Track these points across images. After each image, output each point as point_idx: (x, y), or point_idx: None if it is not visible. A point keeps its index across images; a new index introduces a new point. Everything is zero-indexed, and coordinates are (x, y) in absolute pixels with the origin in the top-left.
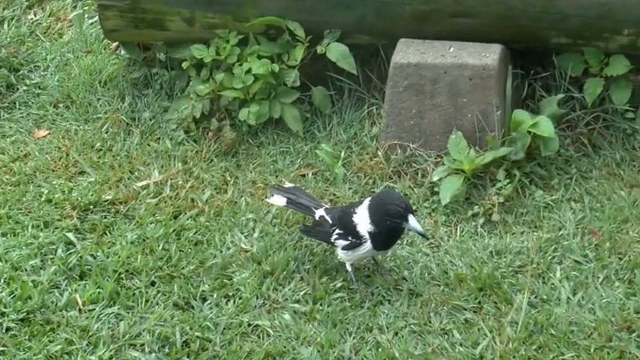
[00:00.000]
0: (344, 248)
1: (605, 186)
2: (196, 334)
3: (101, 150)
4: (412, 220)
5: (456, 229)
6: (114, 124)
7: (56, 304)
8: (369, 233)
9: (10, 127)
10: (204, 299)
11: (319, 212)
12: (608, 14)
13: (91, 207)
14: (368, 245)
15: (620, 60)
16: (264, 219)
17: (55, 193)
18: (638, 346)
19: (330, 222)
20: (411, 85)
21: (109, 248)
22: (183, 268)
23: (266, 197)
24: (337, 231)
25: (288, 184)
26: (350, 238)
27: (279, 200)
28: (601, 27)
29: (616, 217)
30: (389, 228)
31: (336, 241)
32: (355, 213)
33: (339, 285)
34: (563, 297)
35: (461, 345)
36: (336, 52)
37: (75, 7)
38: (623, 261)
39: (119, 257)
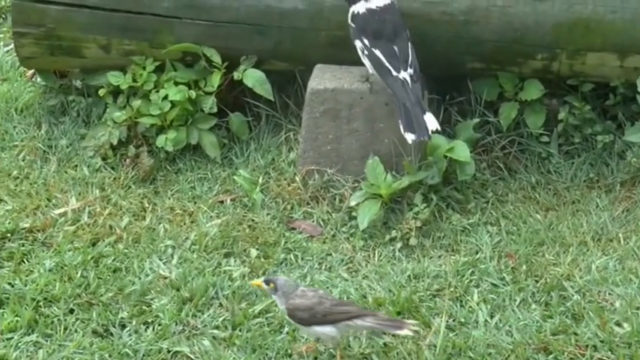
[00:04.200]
0: None
1: (520, 209)
2: None
3: (18, 178)
4: None
5: (374, 254)
6: (30, 151)
7: None
8: None
9: None
10: (123, 326)
11: None
12: (521, 39)
13: (9, 235)
14: None
15: (535, 84)
16: (182, 245)
17: None
18: None
19: None
20: (327, 110)
21: (26, 276)
22: (101, 295)
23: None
24: None
25: None
26: None
27: None
28: (514, 52)
29: (532, 240)
30: None
31: None
32: None
33: (258, 310)
34: (481, 320)
35: None
36: (253, 78)
37: None
38: (540, 283)
39: (37, 285)
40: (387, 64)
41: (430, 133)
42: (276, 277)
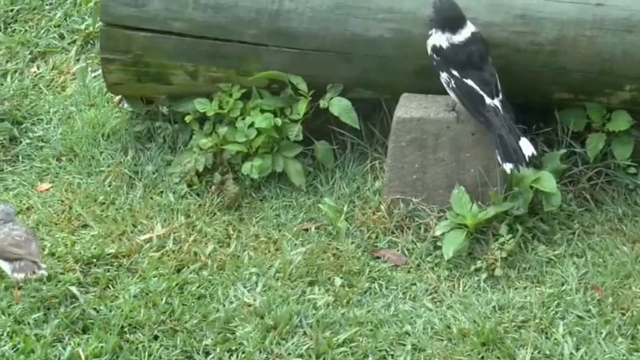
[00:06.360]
0: None
1: (607, 241)
2: None
3: (104, 203)
4: None
5: (459, 284)
6: (117, 177)
7: (59, 358)
8: None
9: (13, 180)
10: (207, 353)
11: None
12: (609, 70)
13: (94, 260)
14: None
15: (623, 115)
16: (267, 273)
17: (58, 246)
18: None
19: None
20: (413, 139)
21: (111, 302)
22: (186, 322)
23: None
24: None
25: None
26: None
27: None
28: (603, 82)
29: (619, 272)
30: None
31: None
32: None
33: (342, 339)
34: (566, 352)
35: None
36: (339, 106)
37: (78, 60)
38: (626, 316)
39: (122, 311)
40: (481, 92)
41: (527, 159)
42: (5, 205)
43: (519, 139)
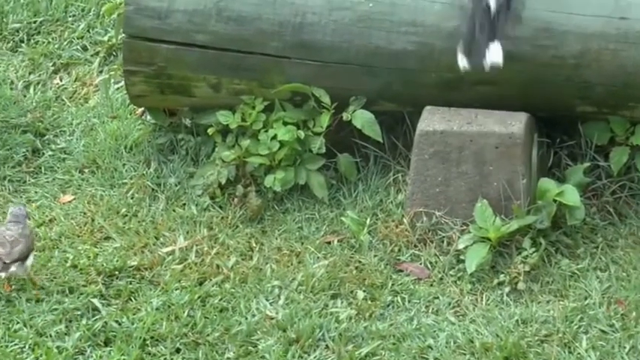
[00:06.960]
0: None
1: (631, 255)
2: None
3: (127, 215)
4: None
5: (482, 298)
6: (139, 189)
7: None
8: None
9: (36, 192)
10: None
11: None
12: (633, 83)
13: (117, 273)
14: None
15: None
16: (289, 286)
17: (81, 258)
18: None
19: None
20: (436, 152)
21: (134, 314)
22: (208, 334)
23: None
24: None
25: None
26: None
27: None
28: (626, 96)
29: None
30: None
31: None
32: None
33: (364, 353)
34: None
35: None
36: (362, 119)
37: (101, 72)
38: None
39: (144, 323)
40: None
41: (488, 64)
42: (16, 206)
43: (492, 41)
